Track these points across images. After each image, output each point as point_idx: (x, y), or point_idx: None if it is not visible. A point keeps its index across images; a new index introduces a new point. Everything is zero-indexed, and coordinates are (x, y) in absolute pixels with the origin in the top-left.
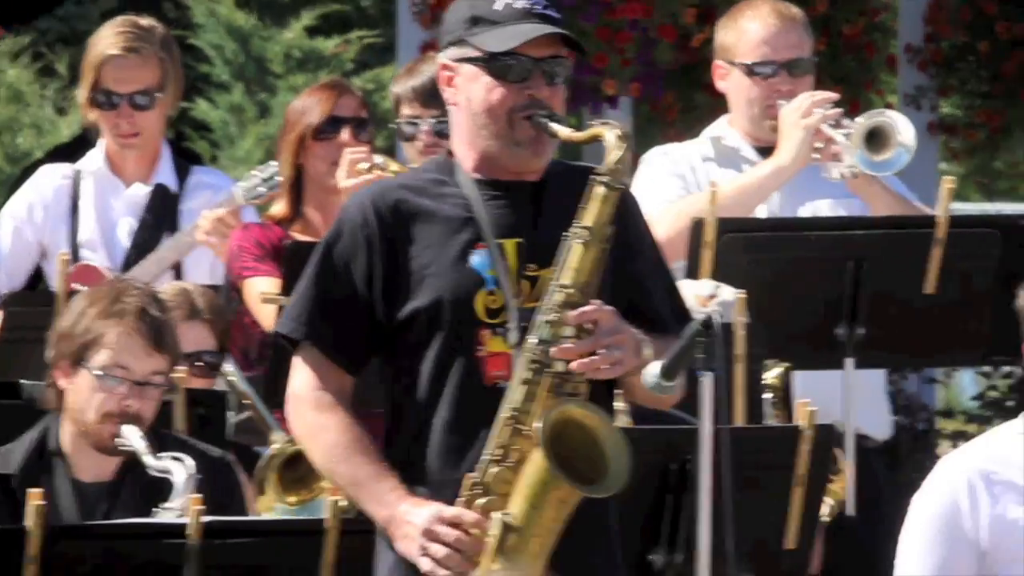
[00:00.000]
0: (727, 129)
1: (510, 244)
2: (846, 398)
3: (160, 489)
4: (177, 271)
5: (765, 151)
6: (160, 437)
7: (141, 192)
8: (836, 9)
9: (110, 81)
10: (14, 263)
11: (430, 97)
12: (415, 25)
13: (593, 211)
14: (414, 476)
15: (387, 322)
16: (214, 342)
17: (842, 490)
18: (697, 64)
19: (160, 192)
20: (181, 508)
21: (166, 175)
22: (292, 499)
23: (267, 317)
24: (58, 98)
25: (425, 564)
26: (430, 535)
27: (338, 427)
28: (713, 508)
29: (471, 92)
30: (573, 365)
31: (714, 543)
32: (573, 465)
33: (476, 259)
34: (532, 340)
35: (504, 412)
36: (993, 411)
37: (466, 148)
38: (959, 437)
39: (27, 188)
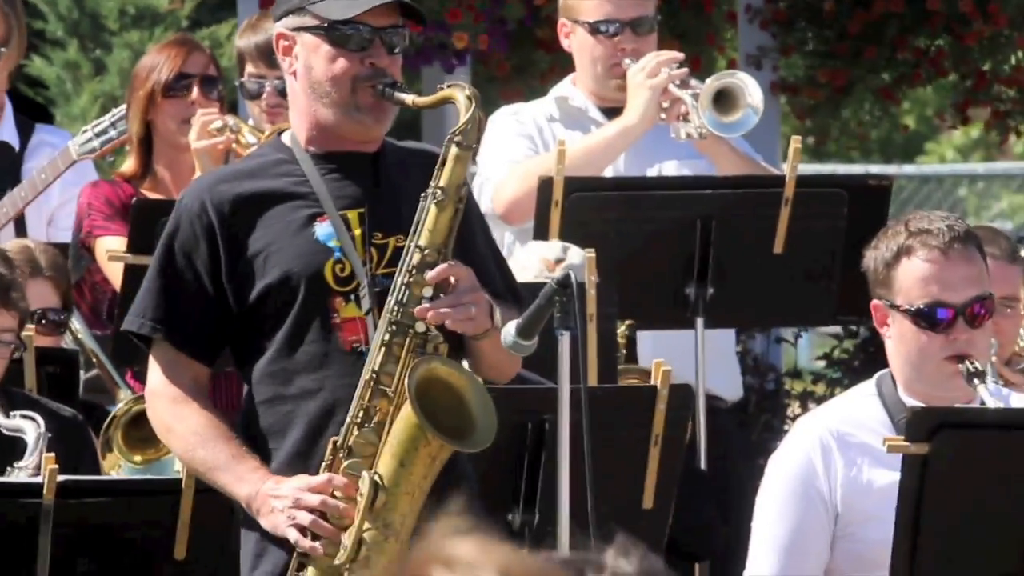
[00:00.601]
0: (572, 89)
1: (353, 214)
2: (697, 358)
3: (11, 448)
4: (20, 228)
5: (611, 111)
6: (10, 396)
7: None
8: None
9: None
10: None
11: (272, 55)
12: None
13: (447, 172)
14: (276, 448)
15: (238, 308)
16: (58, 300)
17: None
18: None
19: (1, 149)
20: (34, 467)
21: (8, 133)
22: (138, 458)
23: (117, 275)
24: None
25: (292, 534)
26: (296, 503)
27: (195, 415)
28: (571, 469)
29: (311, 61)
30: (429, 315)
31: (573, 504)
32: (440, 422)
33: (320, 230)
34: (390, 301)
35: (365, 374)
36: (840, 372)
37: (302, 119)
38: (807, 397)
39: None
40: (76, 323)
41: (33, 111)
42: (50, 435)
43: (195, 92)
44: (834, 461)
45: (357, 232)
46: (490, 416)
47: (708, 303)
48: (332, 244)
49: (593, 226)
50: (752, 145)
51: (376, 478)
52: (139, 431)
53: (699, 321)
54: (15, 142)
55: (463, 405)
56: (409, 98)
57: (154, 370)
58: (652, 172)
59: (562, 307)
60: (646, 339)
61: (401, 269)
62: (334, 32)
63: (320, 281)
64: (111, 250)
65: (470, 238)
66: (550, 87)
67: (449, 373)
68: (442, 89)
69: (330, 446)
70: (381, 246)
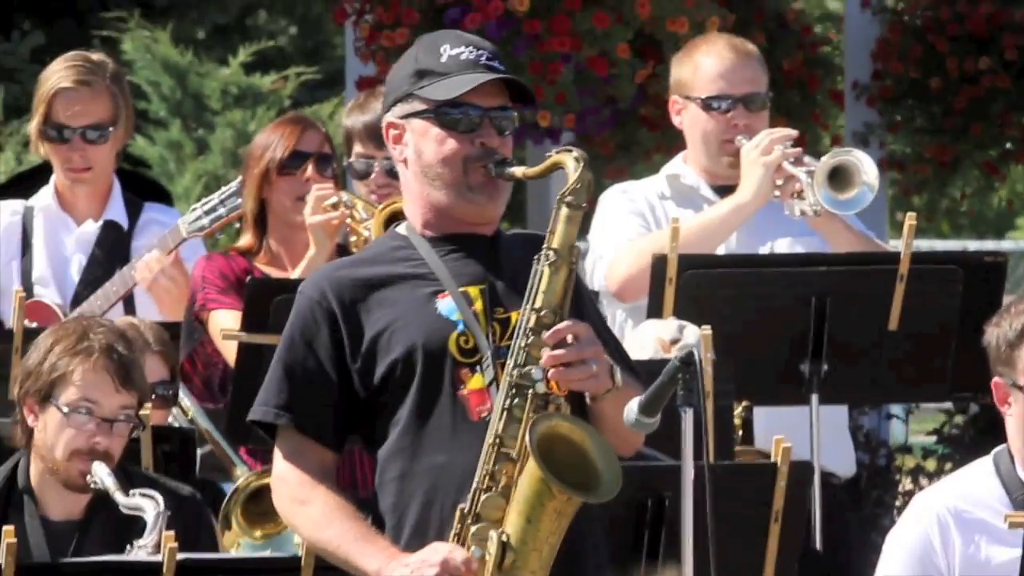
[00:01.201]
0: (684, 167)
1: (474, 290)
2: (812, 434)
3: (130, 527)
4: (129, 306)
5: (722, 190)
6: (128, 474)
7: (91, 229)
8: (774, 44)
9: (62, 115)
10: None
11: (381, 137)
12: (357, 59)
13: (559, 233)
14: (405, 523)
15: (364, 391)
16: (166, 373)
17: None
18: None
19: (110, 228)
20: (154, 546)
21: (117, 212)
22: (258, 533)
23: (230, 351)
24: None
25: None
26: (420, 566)
27: (322, 497)
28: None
29: (421, 146)
30: (551, 374)
31: None
32: (565, 477)
33: (442, 306)
34: (509, 365)
35: (488, 439)
36: (951, 448)
37: (417, 205)
38: (918, 473)
39: None
40: (187, 400)
41: (144, 187)
42: (169, 513)
43: (310, 170)
44: (952, 539)
45: (478, 306)
46: (614, 468)
47: (823, 380)
48: (455, 318)
49: (707, 303)
50: (860, 221)
51: (503, 537)
52: (258, 506)
53: (814, 398)
54: (124, 221)
55: (586, 460)
56: (519, 170)
57: (280, 458)
58: (764, 249)
59: (685, 384)
60: (759, 415)
61: (519, 332)
62: (443, 115)
63: (445, 353)
64: (225, 329)
65: (581, 312)
66: (657, 165)
67: (571, 429)
68: (550, 156)
69: (457, 514)
70: (503, 320)
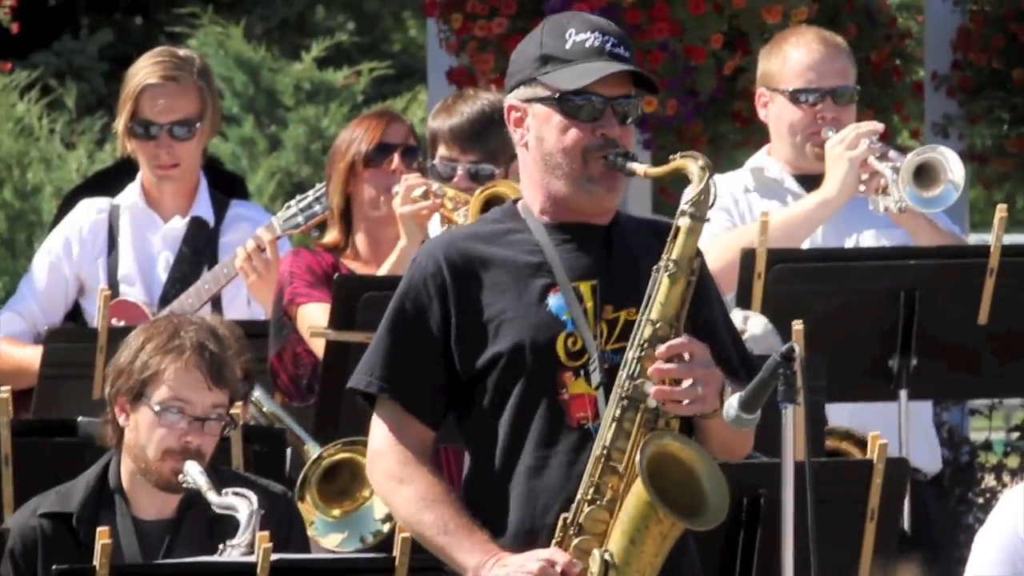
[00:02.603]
0: (768, 160)
1: (585, 287)
2: (901, 431)
3: (221, 526)
4: (216, 305)
5: (807, 181)
6: (220, 473)
7: (178, 226)
8: (862, 36)
9: (149, 111)
10: (50, 299)
11: (468, 140)
12: (443, 51)
13: (680, 243)
14: (499, 525)
15: (464, 373)
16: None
17: None
18: (727, 93)
19: (197, 225)
20: (247, 546)
21: (203, 208)
22: (336, 512)
23: (317, 345)
24: (66, 132)
25: None
26: (520, 568)
27: (423, 478)
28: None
29: (543, 132)
30: (654, 391)
31: None
32: (672, 499)
33: (553, 302)
34: (622, 375)
35: (596, 450)
36: None
37: (536, 190)
38: (1001, 470)
39: (64, 223)
40: (256, 392)
41: (228, 183)
42: (262, 512)
43: (396, 161)
44: None
45: (589, 304)
46: (722, 492)
47: (911, 375)
48: (565, 317)
49: (796, 298)
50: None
51: (607, 556)
52: (333, 484)
53: (902, 393)
54: (210, 218)
55: (694, 481)
56: (641, 168)
57: (378, 430)
58: (850, 242)
59: (786, 380)
60: (844, 411)
61: (633, 343)
62: (566, 103)
63: (552, 354)
64: (312, 327)
65: (708, 310)
66: (742, 159)
67: (680, 449)
68: (675, 159)
69: (560, 523)
70: (612, 320)
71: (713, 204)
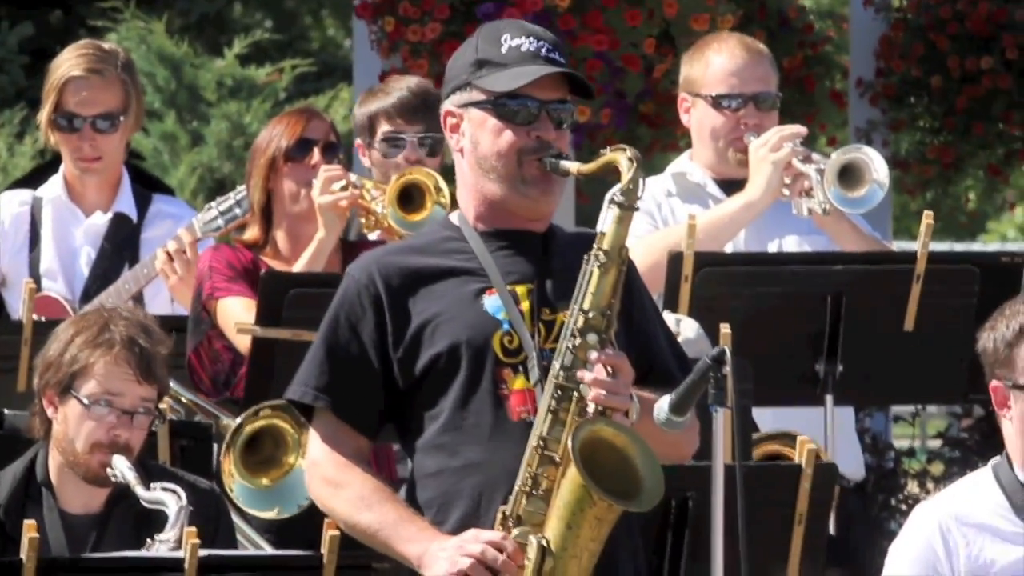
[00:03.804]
0: (690, 164)
1: (522, 289)
2: (827, 436)
3: (149, 521)
4: (138, 302)
5: (729, 186)
6: (148, 468)
7: (101, 221)
8: (775, 41)
9: (72, 103)
10: None
11: (413, 111)
12: (373, 53)
13: (610, 234)
14: (442, 520)
15: (404, 382)
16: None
17: None
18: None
19: (120, 220)
20: (175, 541)
21: (126, 204)
22: (264, 481)
23: (242, 340)
24: None
25: None
26: (461, 550)
27: (359, 480)
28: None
29: (478, 136)
30: (592, 395)
31: None
32: (606, 484)
33: (489, 303)
34: (555, 366)
35: (532, 440)
36: (959, 451)
37: (471, 196)
38: (924, 477)
39: None
40: (173, 383)
41: (148, 184)
42: (191, 508)
43: (316, 156)
44: (954, 543)
45: (525, 305)
46: (656, 476)
47: (838, 380)
48: (501, 316)
49: (723, 301)
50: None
51: (543, 542)
52: (257, 455)
53: (828, 399)
54: (133, 213)
55: (629, 465)
56: (573, 166)
57: (315, 441)
58: (773, 247)
59: (716, 383)
60: (767, 415)
61: (566, 333)
62: (501, 106)
63: (488, 352)
64: (239, 323)
65: (641, 316)
66: (653, 163)
67: (614, 434)
68: (604, 154)
69: (499, 516)
70: (549, 322)
71: (642, 194)
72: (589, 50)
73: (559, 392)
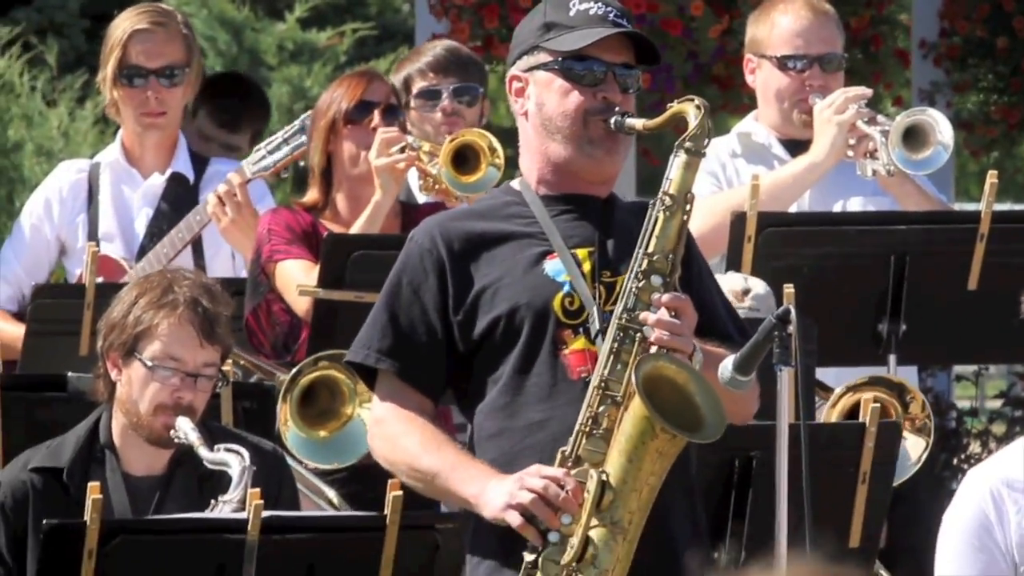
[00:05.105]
0: (755, 125)
1: (582, 252)
2: None
3: (212, 482)
4: (199, 262)
5: (793, 146)
6: (211, 430)
7: (158, 182)
8: (841, 3)
9: (137, 56)
10: (34, 260)
11: (447, 65)
12: (431, 17)
13: (677, 179)
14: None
15: (464, 345)
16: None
17: None
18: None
19: (177, 181)
20: (239, 502)
21: (183, 164)
22: (323, 434)
23: (301, 302)
24: (47, 89)
25: (512, 517)
26: (522, 483)
27: (420, 428)
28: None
29: (543, 98)
30: (655, 336)
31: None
32: (668, 418)
33: (549, 267)
34: (618, 308)
35: (594, 380)
36: (1021, 410)
37: (534, 160)
38: (986, 436)
39: (45, 184)
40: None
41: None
42: (254, 468)
43: (376, 118)
44: (1006, 510)
45: (586, 267)
46: (718, 413)
47: (901, 340)
48: (561, 279)
49: (786, 261)
50: (930, 182)
51: (603, 476)
52: (314, 407)
53: (892, 358)
54: (190, 174)
55: (690, 403)
56: (639, 123)
57: (378, 402)
58: (837, 208)
59: (781, 342)
60: (829, 375)
61: (630, 275)
62: (568, 68)
63: (549, 313)
64: (301, 285)
65: (699, 281)
66: (722, 124)
67: (676, 372)
68: (671, 106)
69: (559, 456)
70: (609, 284)
71: (710, 140)
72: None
73: (621, 334)
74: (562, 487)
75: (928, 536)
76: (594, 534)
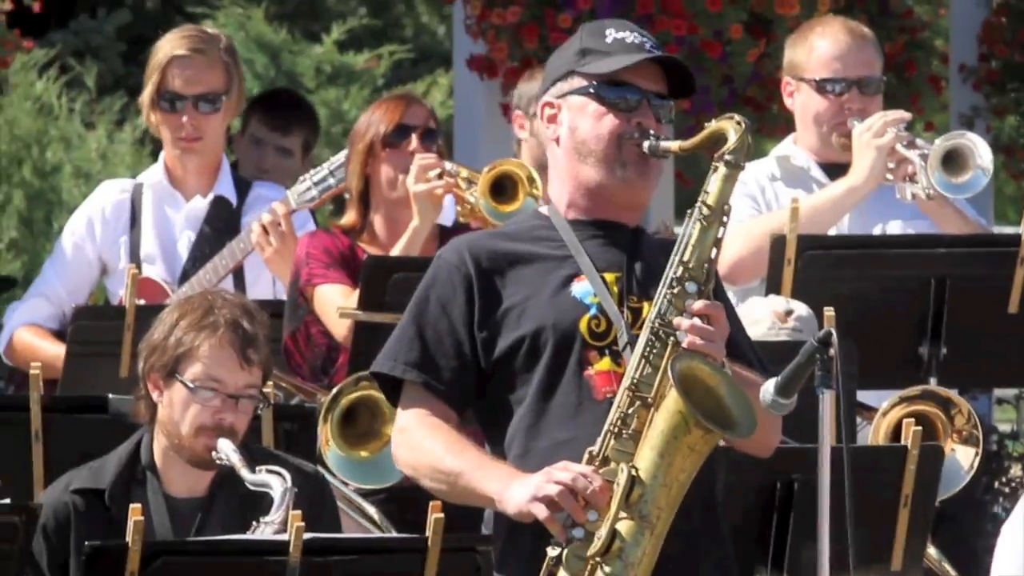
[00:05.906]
0: (794, 148)
1: (610, 276)
2: None
3: (254, 504)
4: (240, 286)
5: (833, 170)
6: (251, 451)
7: (201, 205)
8: (876, 26)
9: (175, 83)
10: (76, 281)
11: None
12: (468, 37)
13: (715, 191)
14: None
15: (486, 361)
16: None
17: None
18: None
19: (220, 205)
20: (280, 523)
21: (226, 188)
22: (364, 454)
23: (339, 325)
24: (85, 112)
25: (538, 509)
26: (550, 477)
27: (445, 433)
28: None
29: (576, 122)
30: (687, 341)
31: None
32: (701, 409)
33: (577, 289)
34: (651, 314)
35: (626, 381)
36: None
37: (565, 185)
38: None
39: (88, 204)
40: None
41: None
42: (296, 490)
43: (415, 143)
44: None
45: (614, 291)
46: (750, 416)
47: (941, 363)
48: (588, 301)
49: (826, 284)
50: (969, 205)
51: (633, 471)
52: (355, 427)
53: (932, 381)
54: (233, 198)
55: (721, 405)
56: (675, 144)
57: (403, 413)
58: (876, 231)
59: (823, 365)
60: (870, 398)
61: (664, 282)
62: (603, 93)
63: (575, 334)
64: (342, 307)
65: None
66: (759, 146)
67: (709, 374)
68: (709, 125)
69: (586, 456)
70: (636, 309)
71: (751, 154)
72: (669, 35)
73: (653, 338)
74: (590, 482)
75: (972, 559)
76: (622, 527)
